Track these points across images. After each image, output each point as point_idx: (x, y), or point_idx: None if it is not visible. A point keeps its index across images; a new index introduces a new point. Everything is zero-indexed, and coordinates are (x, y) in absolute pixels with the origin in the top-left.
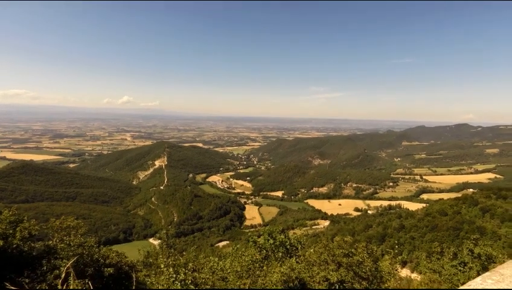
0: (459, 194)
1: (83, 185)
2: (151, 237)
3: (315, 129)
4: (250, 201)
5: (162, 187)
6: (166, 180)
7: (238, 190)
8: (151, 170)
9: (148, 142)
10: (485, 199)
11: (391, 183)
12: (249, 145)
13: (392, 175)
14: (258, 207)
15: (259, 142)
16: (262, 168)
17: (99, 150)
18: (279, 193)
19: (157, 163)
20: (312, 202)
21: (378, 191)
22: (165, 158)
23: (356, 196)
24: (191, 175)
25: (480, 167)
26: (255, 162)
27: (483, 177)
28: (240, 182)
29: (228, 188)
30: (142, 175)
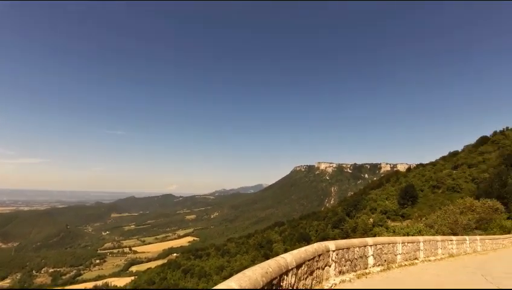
0: (165, 260)
1: None
2: None
3: None
4: None
5: None
6: None
7: None
8: None
9: None
10: (186, 260)
11: (98, 261)
12: None
13: (99, 251)
14: None
15: None
16: None
17: None
18: None
19: None
20: None
21: (82, 272)
22: None
23: (53, 283)
24: None
25: (182, 232)
26: None
27: (185, 241)
28: None
29: None
30: None
